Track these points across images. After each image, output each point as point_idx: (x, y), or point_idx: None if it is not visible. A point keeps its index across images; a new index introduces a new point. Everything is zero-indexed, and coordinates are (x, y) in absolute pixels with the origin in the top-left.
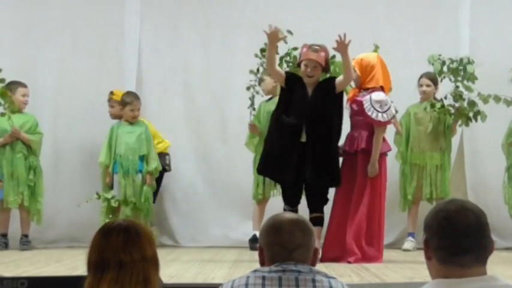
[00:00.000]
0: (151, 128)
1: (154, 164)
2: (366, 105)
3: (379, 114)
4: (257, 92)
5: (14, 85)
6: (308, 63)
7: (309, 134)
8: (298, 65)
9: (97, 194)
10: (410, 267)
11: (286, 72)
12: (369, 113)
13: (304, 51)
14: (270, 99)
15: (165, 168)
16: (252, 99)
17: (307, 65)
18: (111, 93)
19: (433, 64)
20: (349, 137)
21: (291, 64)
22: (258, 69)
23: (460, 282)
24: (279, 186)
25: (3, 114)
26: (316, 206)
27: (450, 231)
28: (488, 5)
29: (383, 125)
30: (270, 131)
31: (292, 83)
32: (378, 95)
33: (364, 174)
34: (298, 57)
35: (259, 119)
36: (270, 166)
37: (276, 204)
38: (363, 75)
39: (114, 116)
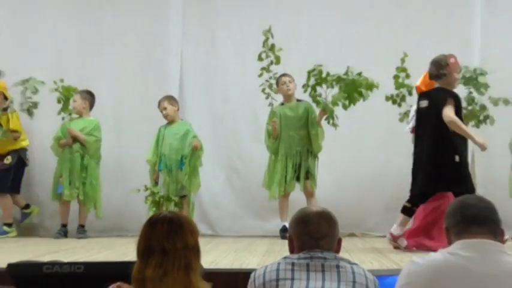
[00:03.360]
0: (17, 125)
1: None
2: None
3: None
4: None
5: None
6: (460, 71)
7: None
8: (438, 76)
9: (145, 186)
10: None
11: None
12: None
13: (454, 61)
14: (283, 104)
15: (25, 163)
16: (268, 97)
17: (459, 73)
18: None
19: None
20: None
21: (317, 79)
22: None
23: (474, 243)
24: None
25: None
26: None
27: (464, 209)
28: (498, 18)
29: None
30: (460, 148)
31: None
32: None
33: None
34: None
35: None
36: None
37: (296, 196)
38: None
39: None
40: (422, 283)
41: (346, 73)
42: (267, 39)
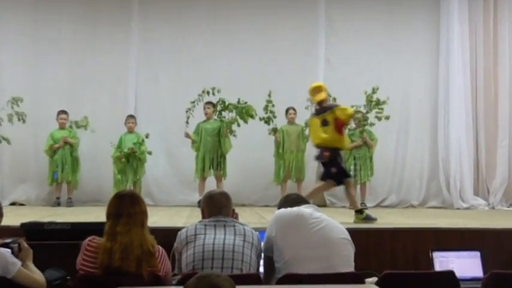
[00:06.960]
0: None
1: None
2: None
3: None
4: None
5: None
6: None
7: None
8: None
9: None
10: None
11: None
12: None
13: None
14: (205, 121)
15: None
16: (187, 118)
17: None
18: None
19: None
20: None
21: (222, 108)
22: (195, 101)
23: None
24: (212, 170)
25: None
26: None
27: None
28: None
29: None
30: None
31: None
32: None
33: None
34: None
35: (197, 133)
36: None
37: (210, 180)
38: None
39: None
40: (281, 222)
41: (238, 102)
42: (195, 100)
